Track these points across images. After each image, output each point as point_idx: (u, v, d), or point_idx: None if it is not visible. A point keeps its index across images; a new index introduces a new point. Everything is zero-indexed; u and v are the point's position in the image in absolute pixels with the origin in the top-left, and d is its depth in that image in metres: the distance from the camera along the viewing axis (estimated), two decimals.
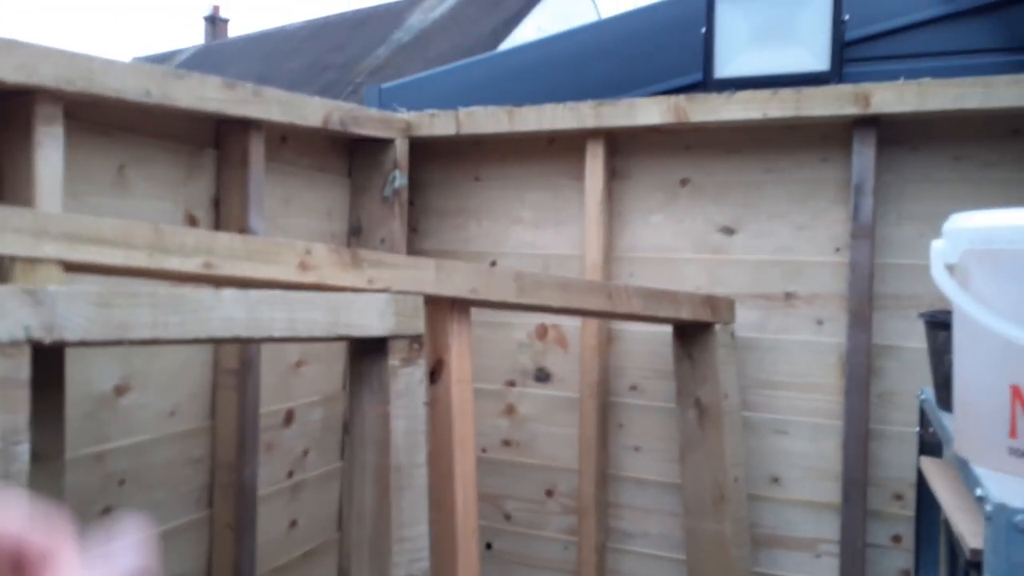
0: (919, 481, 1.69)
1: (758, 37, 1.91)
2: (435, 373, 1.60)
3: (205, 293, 1.07)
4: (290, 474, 2.13)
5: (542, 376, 2.37)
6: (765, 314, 2.11)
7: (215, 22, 22.01)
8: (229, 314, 1.08)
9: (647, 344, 2.25)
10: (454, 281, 1.51)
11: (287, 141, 2.05)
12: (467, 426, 1.58)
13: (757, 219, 2.12)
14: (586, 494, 2.24)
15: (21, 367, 0.98)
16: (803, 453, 2.07)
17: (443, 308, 1.55)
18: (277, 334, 1.14)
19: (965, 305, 1.01)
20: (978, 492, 0.95)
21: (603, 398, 2.26)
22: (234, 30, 22.43)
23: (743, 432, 2.08)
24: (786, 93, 1.91)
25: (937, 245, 1.06)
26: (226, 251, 1.23)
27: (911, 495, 1.86)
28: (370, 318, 1.24)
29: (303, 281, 1.31)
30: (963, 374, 1.08)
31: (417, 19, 16.72)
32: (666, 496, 2.22)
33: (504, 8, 15.74)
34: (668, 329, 2.11)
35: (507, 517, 2.42)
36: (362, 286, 1.37)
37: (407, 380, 1.30)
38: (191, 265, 1.21)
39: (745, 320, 2.12)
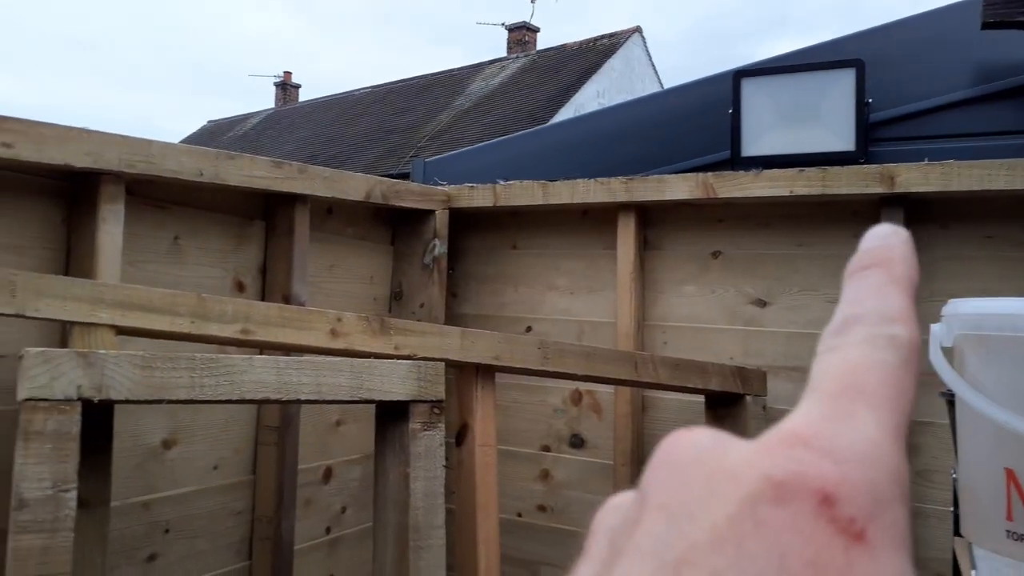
0: (954, 562, 1.65)
1: (783, 118, 1.97)
2: (460, 436, 1.66)
3: (238, 358, 1.17)
4: (328, 530, 2.19)
5: (577, 442, 2.39)
6: (799, 386, 2.10)
7: (286, 88, 23.16)
8: (259, 378, 1.18)
9: (682, 413, 2.25)
10: (478, 348, 1.58)
11: (333, 212, 2.18)
12: (490, 489, 1.63)
13: (789, 292, 2.13)
14: None
15: (72, 422, 1.09)
16: None
17: (468, 374, 1.62)
18: (304, 397, 1.22)
19: (959, 388, 1.03)
20: (972, 575, 0.96)
21: (637, 466, 2.26)
22: (304, 95, 23.50)
23: None
24: (812, 172, 1.95)
25: (935, 328, 1.09)
26: (262, 318, 1.33)
27: None
28: (393, 383, 1.32)
29: (334, 347, 1.41)
30: (964, 456, 1.10)
31: (478, 86, 17.28)
32: None
33: (563, 76, 16.15)
34: (702, 399, 2.13)
35: None
36: (389, 352, 1.45)
37: (427, 443, 1.36)
38: (230, 331, 1.31)
39: (779, 392, 2.12)
